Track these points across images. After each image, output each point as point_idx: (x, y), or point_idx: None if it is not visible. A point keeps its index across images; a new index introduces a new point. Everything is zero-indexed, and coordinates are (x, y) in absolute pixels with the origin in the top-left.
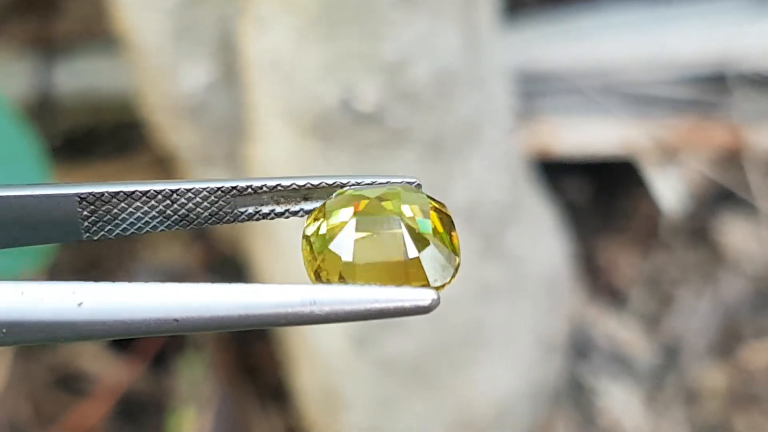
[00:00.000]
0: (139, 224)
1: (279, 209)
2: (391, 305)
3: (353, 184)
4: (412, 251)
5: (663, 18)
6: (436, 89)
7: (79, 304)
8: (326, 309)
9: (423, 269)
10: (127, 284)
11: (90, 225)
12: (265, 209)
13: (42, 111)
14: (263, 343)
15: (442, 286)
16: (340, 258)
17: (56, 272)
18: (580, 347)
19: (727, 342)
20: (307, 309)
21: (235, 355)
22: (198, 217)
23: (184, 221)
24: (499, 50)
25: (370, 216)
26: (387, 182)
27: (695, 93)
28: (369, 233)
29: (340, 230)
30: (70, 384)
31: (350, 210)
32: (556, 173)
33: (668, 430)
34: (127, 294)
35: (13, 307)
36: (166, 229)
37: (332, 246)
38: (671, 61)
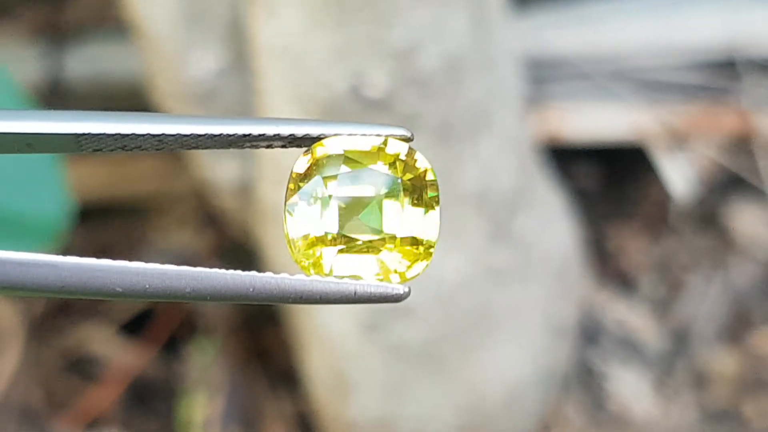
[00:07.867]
0: (132, 146)
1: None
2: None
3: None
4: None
5: (673, 3)
6: (446, 75)
7: None
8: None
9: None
10: None
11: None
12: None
13: (53, 97)
14: (274, 328)
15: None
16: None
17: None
18: (590, 332)
19: (737, 327)
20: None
21: (245, 340)
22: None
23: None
24: (509, 36)
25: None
26: (377, 135)
27: (705, 79)
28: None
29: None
30: (82, 368)
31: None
32: (566, 159)
33: (678, 415)
34: None
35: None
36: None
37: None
38: (681, 46)
